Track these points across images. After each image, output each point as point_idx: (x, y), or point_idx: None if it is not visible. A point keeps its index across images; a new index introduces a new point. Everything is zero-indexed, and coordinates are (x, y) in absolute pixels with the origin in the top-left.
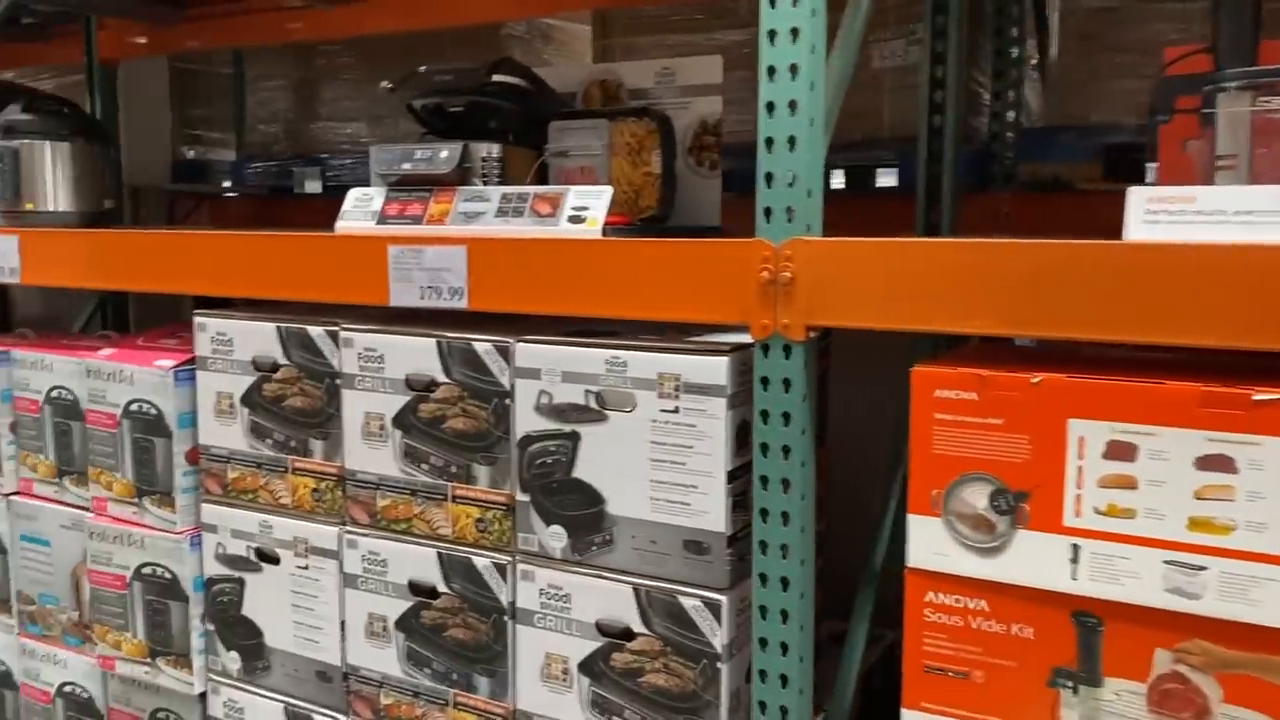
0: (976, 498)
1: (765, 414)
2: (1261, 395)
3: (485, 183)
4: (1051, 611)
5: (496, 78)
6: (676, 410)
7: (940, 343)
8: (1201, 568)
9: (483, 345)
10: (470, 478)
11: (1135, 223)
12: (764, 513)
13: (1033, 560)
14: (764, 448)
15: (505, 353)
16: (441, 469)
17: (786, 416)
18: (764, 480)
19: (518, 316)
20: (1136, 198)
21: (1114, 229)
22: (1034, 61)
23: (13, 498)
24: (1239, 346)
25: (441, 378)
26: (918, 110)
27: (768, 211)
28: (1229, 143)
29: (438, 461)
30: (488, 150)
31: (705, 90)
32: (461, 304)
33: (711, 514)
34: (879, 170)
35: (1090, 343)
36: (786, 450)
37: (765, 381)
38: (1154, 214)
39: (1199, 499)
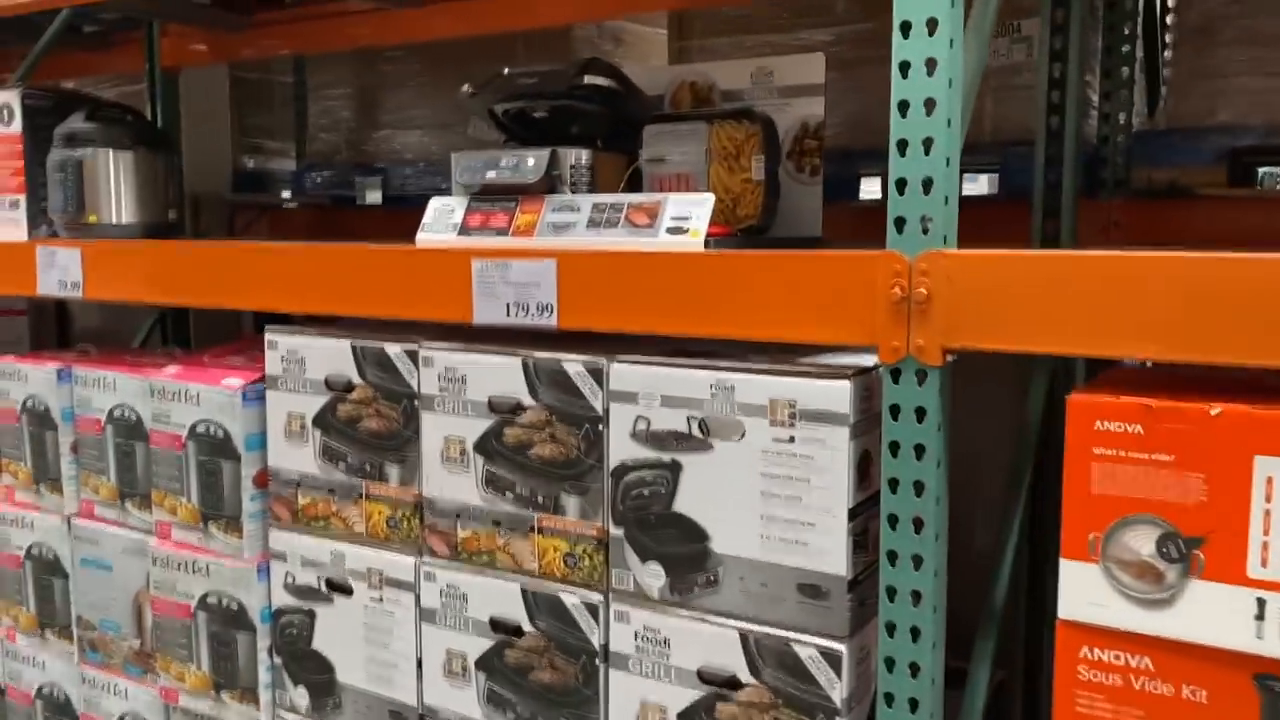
0: (1141, 543)
1: (895, 446)
2: None
3: (574, 191)
4: (1230, 674)
5: (587, 79)
6: (792, 440)
7: (1058, 363)
8: None
9: (574, 365)
10: (558, 508)
11: None
12: (892, 555)
13: (1209, 615)
14: (893, 483)
15: (598, 374)
16: (527, 498)
17: (920, 450)
18: (893, 520)
19: (610, 336)
20: None
21: (1239, 237)
22: (1140, 60)
23: (74, 520)
24: None
25: (528, 400)
26: (1035, 112)
27: (899, 222)
28: None
29: (523, 490)
30: (577, 157)
31: (806, 91)
32: (551, 322)
33: (831, 555)
34: (966, 176)
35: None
36: (919, 487)
37: (895, 410)
38: None
39: None
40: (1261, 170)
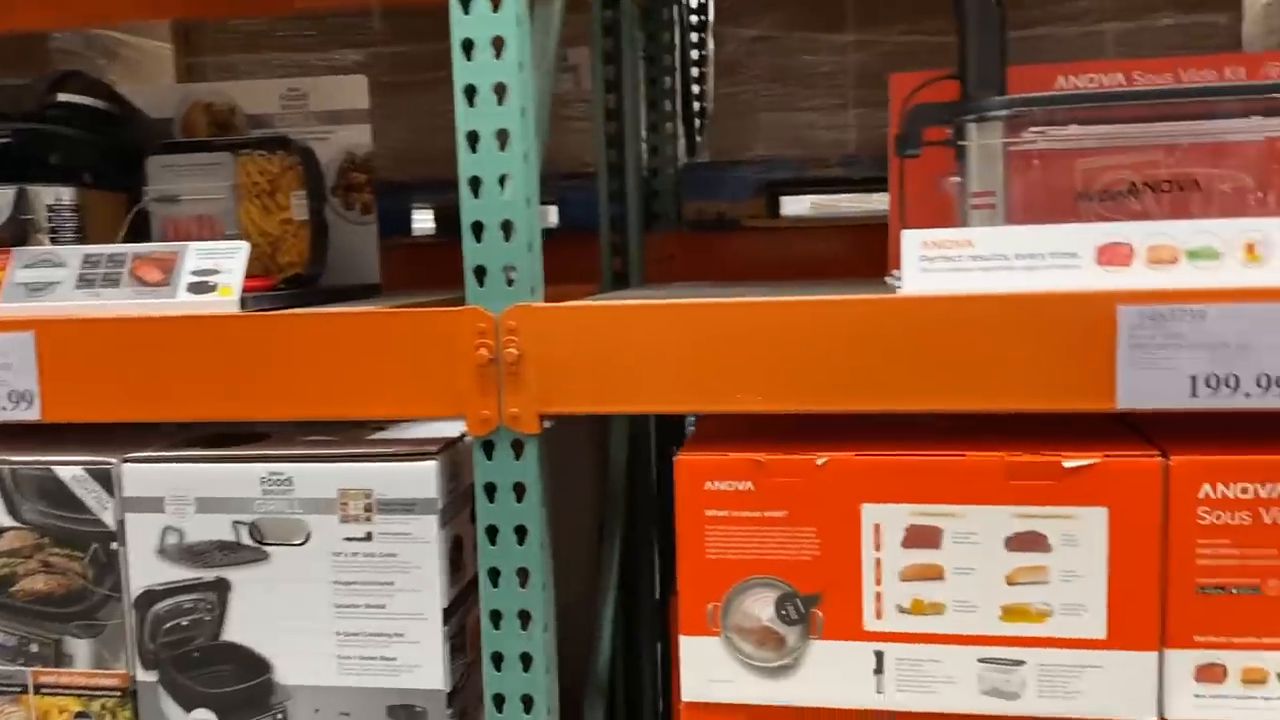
0: (761, 608)
1: (492, 530)
2: (1073, 462)
3: (56, 240)
4: None
5: (62, 96)
6: (369, 537)
7: None
8: (1018, 662)
9: (70, 470)
10: (62, 657)
11: (912, 272)
12: (497, 657)
13: (831, 675)
14: (493, 574)
15: (106, 478)
16: (16, 649)
17: (521, 532)
18: (495, 616)
19: (120, 426)
20: (912, 242)
21: (782, 267)
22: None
23: None
24: (1045, 409)
25: (6, 521)
26: (595, 144)
27: (480, 272)
28: (984, 178)
29: (8, 639)
30: (56, 196)
31: (349, 117)
32: (31, 414)
33: (425, 667)
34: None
35: (877, 413)
36: (523, 575)
37: (491, 489)
38: (931, 260)
39: (1011, 584)
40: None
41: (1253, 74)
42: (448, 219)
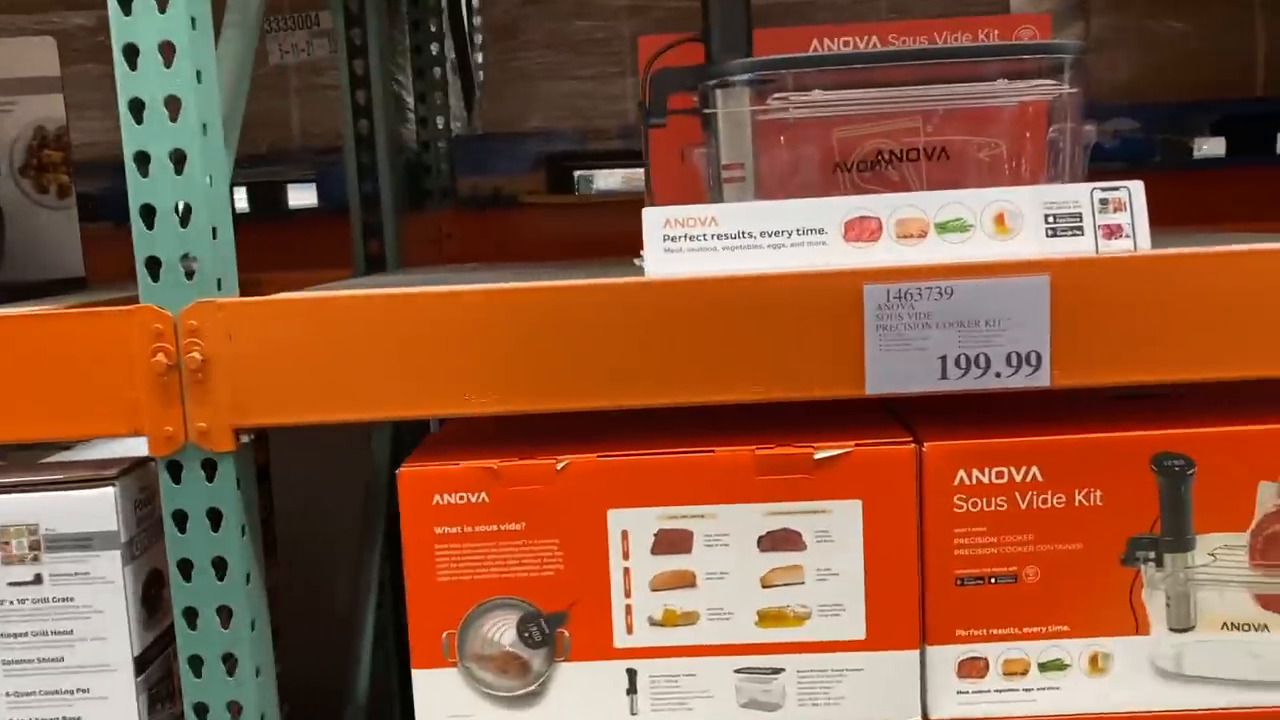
0: (501, 632)
1: (186, 565)
2: (824, 452)
3: None
4: None
5: None
6: (38, 580)
7: None
8: (777, 670)
9: None
10: None
11: (655, 254)
12: (201, 709)
13: (582, 700)
14: (190, 615)
15: None
16: None
17: (220, 565)
18: (195, 662)
19: None
20: (654, 221)
21: (563, 245)
22: (452, 60)
23: None
24: (793, 398)
25: None
26: (343, 114)
27: (153, 264)
28: (733, 149)
29: None
30: None
31: (37, 85)
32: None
33: None
34: (291, 187)
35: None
36: (225, 614)
37: (181, 518)
38: (675, 241)
39: (767, 587)
40: (577, 175)
41: (1006, 36)
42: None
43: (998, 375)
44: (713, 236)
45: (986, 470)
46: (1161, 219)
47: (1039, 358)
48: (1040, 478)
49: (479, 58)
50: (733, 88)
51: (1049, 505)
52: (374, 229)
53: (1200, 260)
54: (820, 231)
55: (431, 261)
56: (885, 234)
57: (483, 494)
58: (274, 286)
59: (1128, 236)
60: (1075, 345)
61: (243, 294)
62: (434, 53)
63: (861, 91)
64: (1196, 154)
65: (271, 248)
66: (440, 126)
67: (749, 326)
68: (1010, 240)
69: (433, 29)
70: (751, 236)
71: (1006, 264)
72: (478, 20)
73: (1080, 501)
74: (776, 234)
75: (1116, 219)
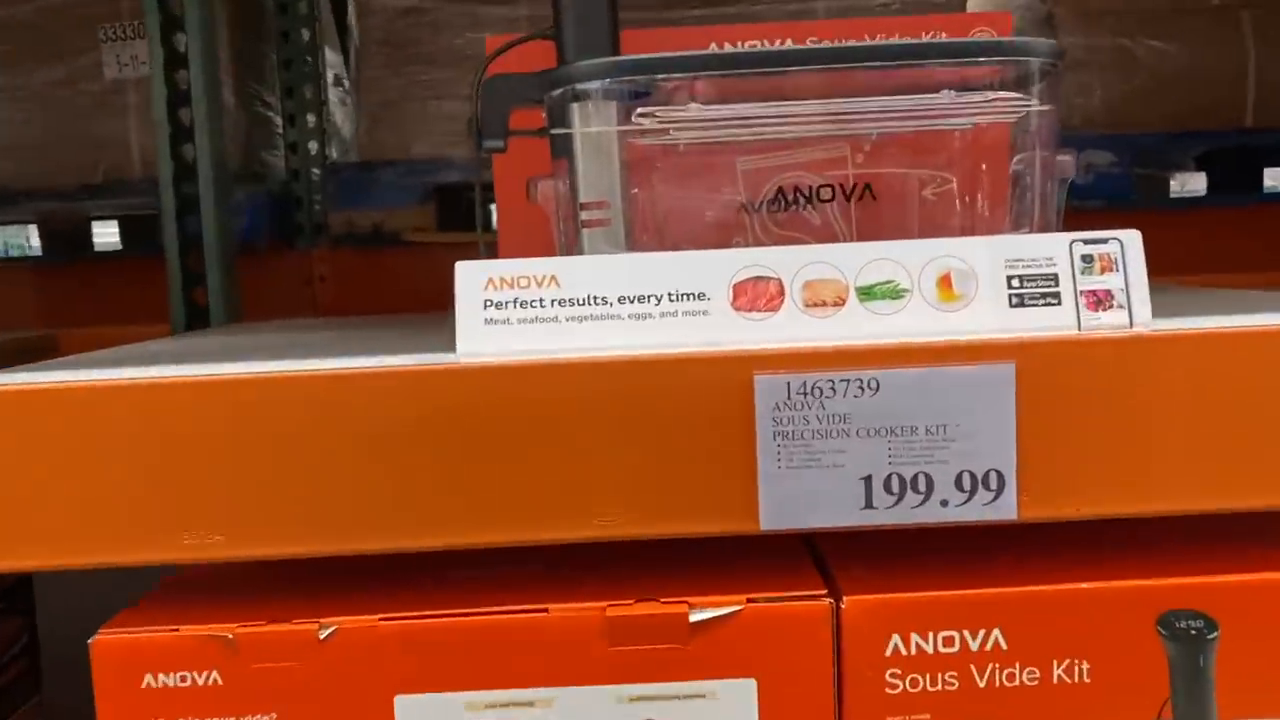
0: None
1: None
2: (703, 612)
3: None
4: None
5: None
6: None
7: None
8: None
9: None
10: None
11: (471, 327)
12: None
13: None
14: None
15: None
16: None
17: None
18: None
19: None
20: (469, 281)
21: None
22: (336, 76)
23: None
24: (654, 535)
25: None
26: (157, 138)
27: None
28: (594, 183)
29: None
30: None
31: None
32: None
33: None
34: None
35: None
36: None
37: None
38: (500, 308)
39: None
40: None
41: (957, 37)
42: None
43: (944, 504)
44: (553, 303)
45: (931, 635)
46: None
47: (1001, 480)
48: (1004, 645)
49: (354, 75)
50: (591, 101)
51: (1018, 683)
52: (197, 276)
53: (1226, 341)
54: (700, 297)
55: (302, 309)
56: (788, 300)
57: (214, 673)
58: (74, 346)
59: (1121, 307)
60: (1052, 462)
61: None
62: (306, 68)
63: (761, 106)
64: (1174, 192)
65: (78, 297)
66: (314, 153)
67: (596, 434)
68: (961, 311)
69: (305, 40)
70: (606, 303)
71: (956, 346)
72: (354, 32)
73: (1060, 677)
74: (640, 300)
75: (1105, 282)
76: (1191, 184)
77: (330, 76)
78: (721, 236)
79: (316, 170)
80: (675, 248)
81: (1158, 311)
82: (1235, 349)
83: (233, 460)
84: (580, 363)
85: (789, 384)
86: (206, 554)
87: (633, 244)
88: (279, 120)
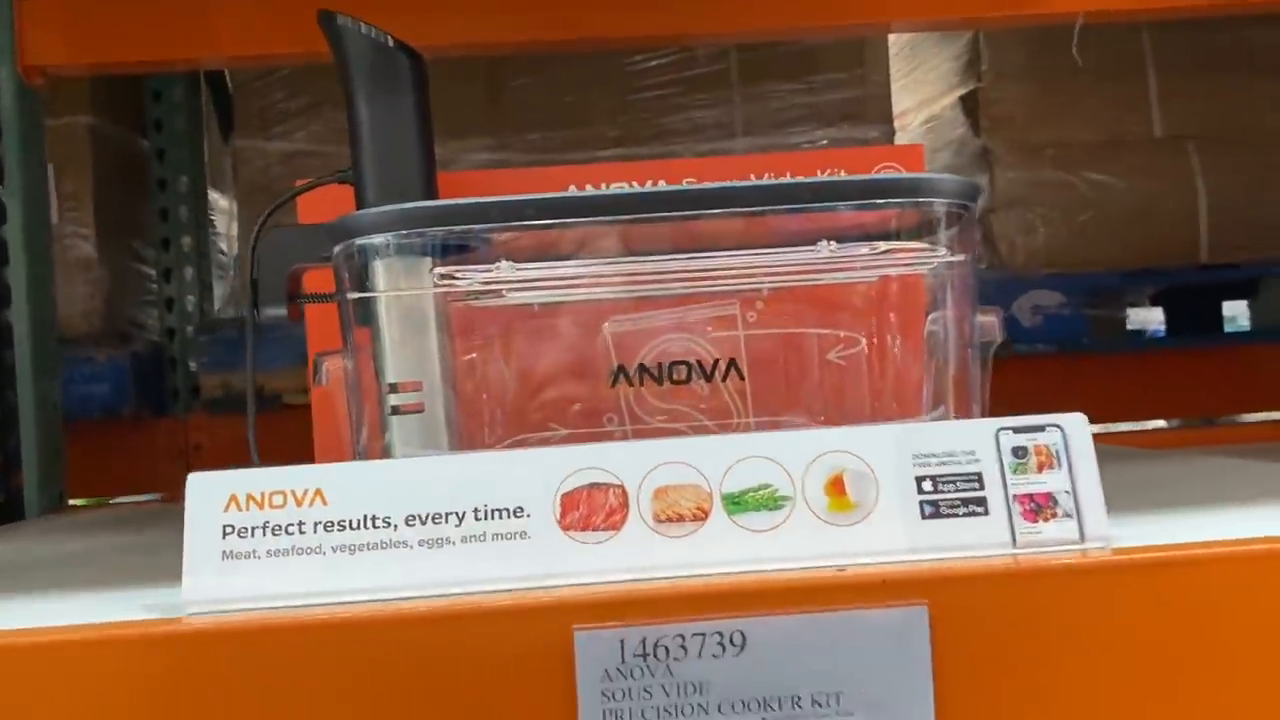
0: None
1: None
2: None
3: None
4: None
5: None
6: None
7: None
8: None
9: None
10: None
11: (202, 563)
12: None
13: None
14: None
15: None
16: None
17: None
18: None
19: None
20: (202, 499)
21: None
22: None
23: None
24: None
25: None
26: None
27: None
28: (405, 360)
29: None
30: None
31: None
32: None
33: None
34: None
35: None
36: None
37: None
38: (245, 536)
39: None
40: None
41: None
42: None
43: None
44: (317, 527)
45: None
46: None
47: None
48: None
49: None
50: (399, 257)
51: None
52: (13, 456)
53: (1210, 565)
54: (518, 514)
55: (177, 481)
56: (634, 516)
57: None
58: None
59: (1067, 515)
60: None
61: None
62: (185, 217)
63: (587, 265)
64: (1132, 326)
65: None
66: (190, 309)
67: (361, 717)
68: (857, 525)
69: (184, 187)
70: (390, 526)
71: (848, 581)
72: (235, 178)
73: None
74: (436, 519)
75: (1045, 483)
76: (1150, 323)
77: (225, 224)
78: (584, 420)
79: (192, 328)
80: (520, 439)
81: (1118, 505)
82: (1227, 572)
83: None
84: (340, 618)
85: (624, 641)
86: None
87: (459, 437)
88: (154, 274)
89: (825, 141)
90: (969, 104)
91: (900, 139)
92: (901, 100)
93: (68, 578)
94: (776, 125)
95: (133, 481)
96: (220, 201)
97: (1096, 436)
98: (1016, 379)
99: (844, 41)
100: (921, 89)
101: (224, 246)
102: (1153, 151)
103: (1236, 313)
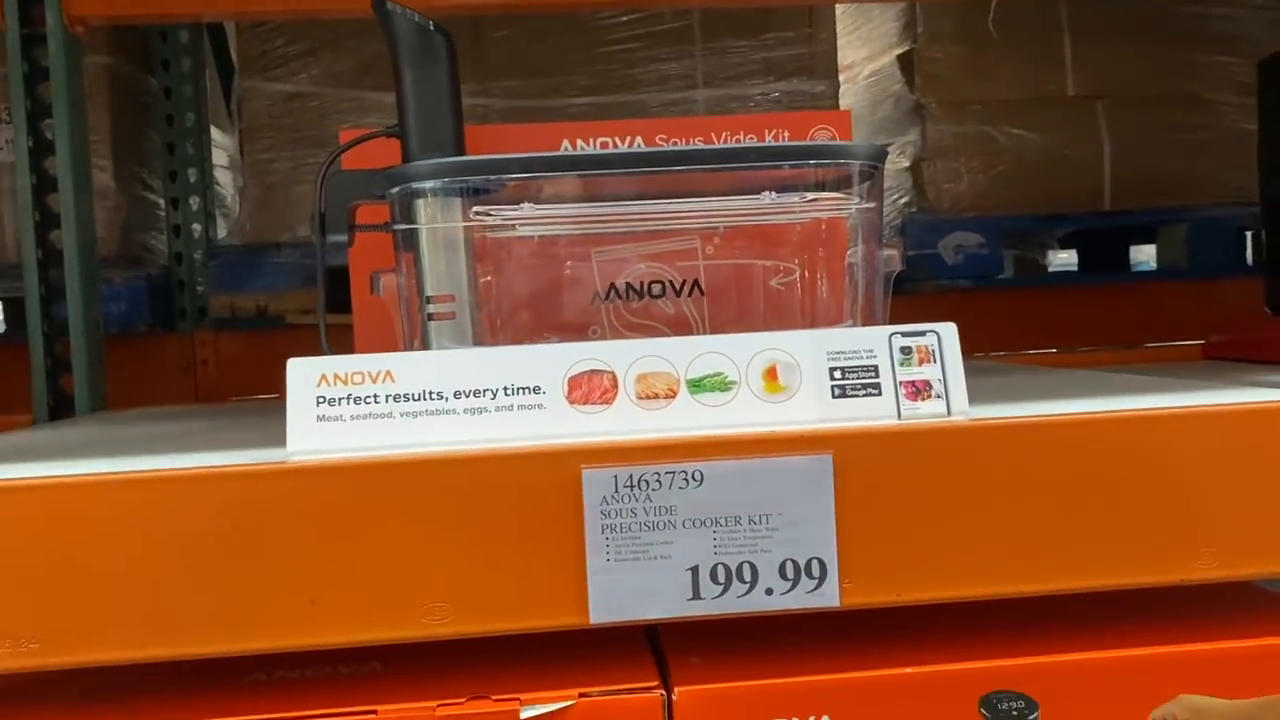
0: None
1: None
2: (535, 707)
3: None
4: None
5: None
6: None
7: None
8: None
9: None
10: None
11: (303, 425)
12: None
13: None
14: None
15: None
16: None
17: None
18: None
19: None
20: (301, 377)
21: None
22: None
23: None
24: (481, 633)
25: None
26: (20, 225)
27: None
28: (441, 277)
29: None
30: None
31: None
32: None
33: None
34: None
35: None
36: None
37: None
38: (334, 404)
39: None
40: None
41: (799, 136)
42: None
43: (769, 593)
44: (388, 398)
45: None
46: (1011, 341)
47: (823, 568)
48: None
49: (235, 158)
50: (434, 198)
51: None
52: (64, 363)
53: (1037, 430)
54: (536, 391)
55: (185, 393)
56: (622, 394)
57: None
58: None
59: (938, 396)
60: (872, 550)
61: None
62: (191, 151)
63: (590, 206)
64: (1047, 265)
65: None
66: (197, 236)
67: (425, 532)
68: (785, 402)
69: (189, 124)
70: (441, 398)
71: (776, 438)
72: (241, 115)
73: None
74: (475, 394)
75: (924, 373)
76: (1063, 262)
77: (225, 159)
78: (574, 329)
79: (199, 253)
80: (525, 341)
81: (989, 397)
82: (1048, 437)
83: (49, 566)
84: (407, 460)
85: (616, 477)
86: (20, 662)
87: (480, 338)
88: (162, 203)
89: (777, 94)
90: (905, 62)
91: (847, 90)
92: (851, 53)
93: (172, 445)
94: (734, 78)
95: (146, 391)
96: (219, 138)
97: (1014, 358)
98: (942, 311)
99: (795, 5)
100: (869, 45)
101: (221, 179)
102: (1065, 109)
103: (1147, 256)
